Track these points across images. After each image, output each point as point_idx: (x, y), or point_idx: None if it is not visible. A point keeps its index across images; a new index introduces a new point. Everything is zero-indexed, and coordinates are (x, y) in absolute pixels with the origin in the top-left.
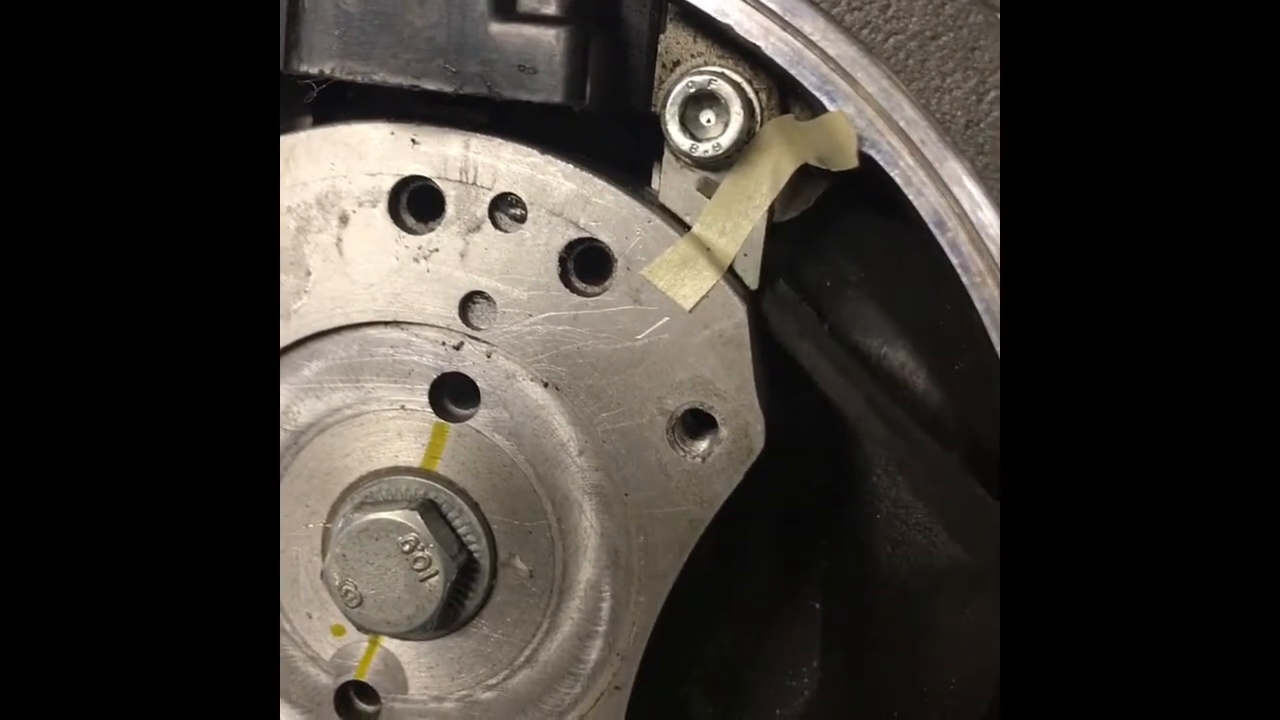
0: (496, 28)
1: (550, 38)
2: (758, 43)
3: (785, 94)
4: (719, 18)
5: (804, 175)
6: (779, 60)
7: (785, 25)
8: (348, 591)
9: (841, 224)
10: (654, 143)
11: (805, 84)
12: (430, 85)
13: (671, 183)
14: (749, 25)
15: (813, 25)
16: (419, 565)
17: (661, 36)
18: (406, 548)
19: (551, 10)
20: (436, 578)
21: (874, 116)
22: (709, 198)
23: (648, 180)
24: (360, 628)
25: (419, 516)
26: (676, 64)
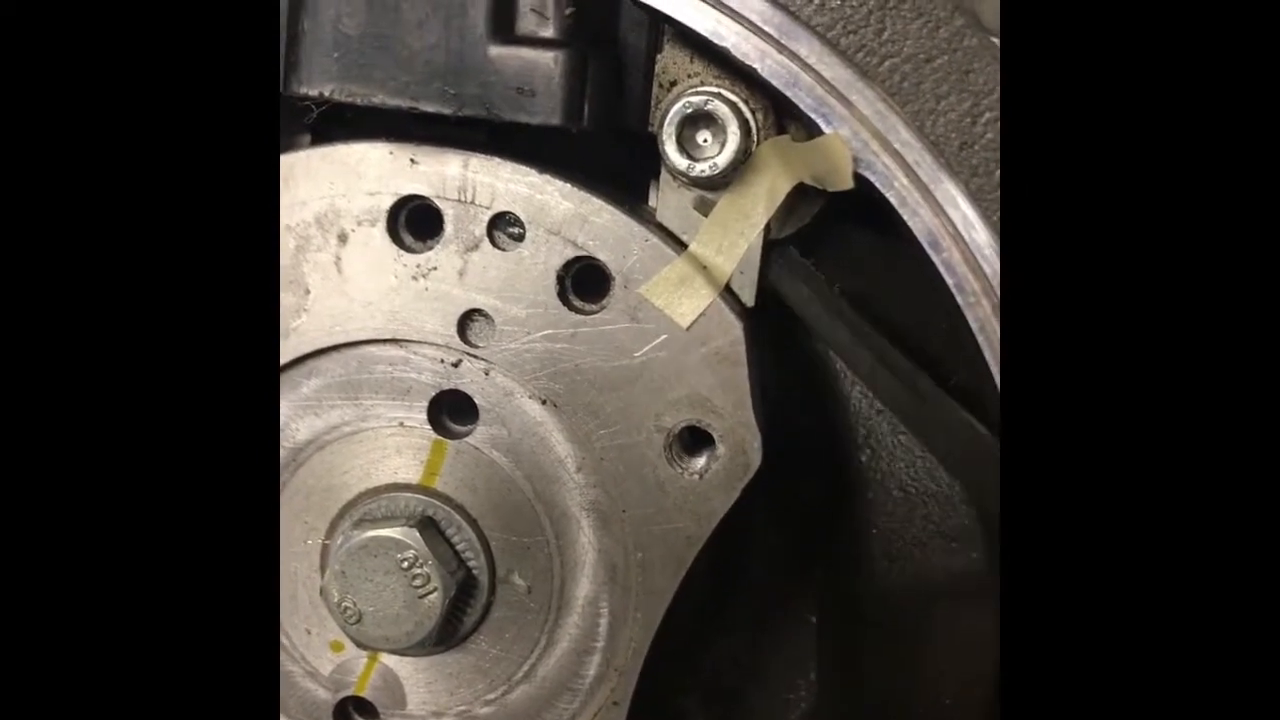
0: (495, 50)
1: (548, 60)
2: (754, 65)
3: (781, 114)
4: (716, 41)
5: (800, 194)
6: (775, 82)
7: (781, 48)
8: (346, 608)
9: (837, 241)
10: (651, 162)
11: (801, 106)
12: (429, 107)
13: (668, 202)
14: (745, 48)
15: (808, 48)
16: (418, 582)
17: (658, 57)
18: (405, 564)
19: (549, 33)
20: (435, 594)
21: (869, 138)
22: (706, 216)
23: (644, 199)
24: (359, 644)
25: (417, 533)
26: (673, 84)
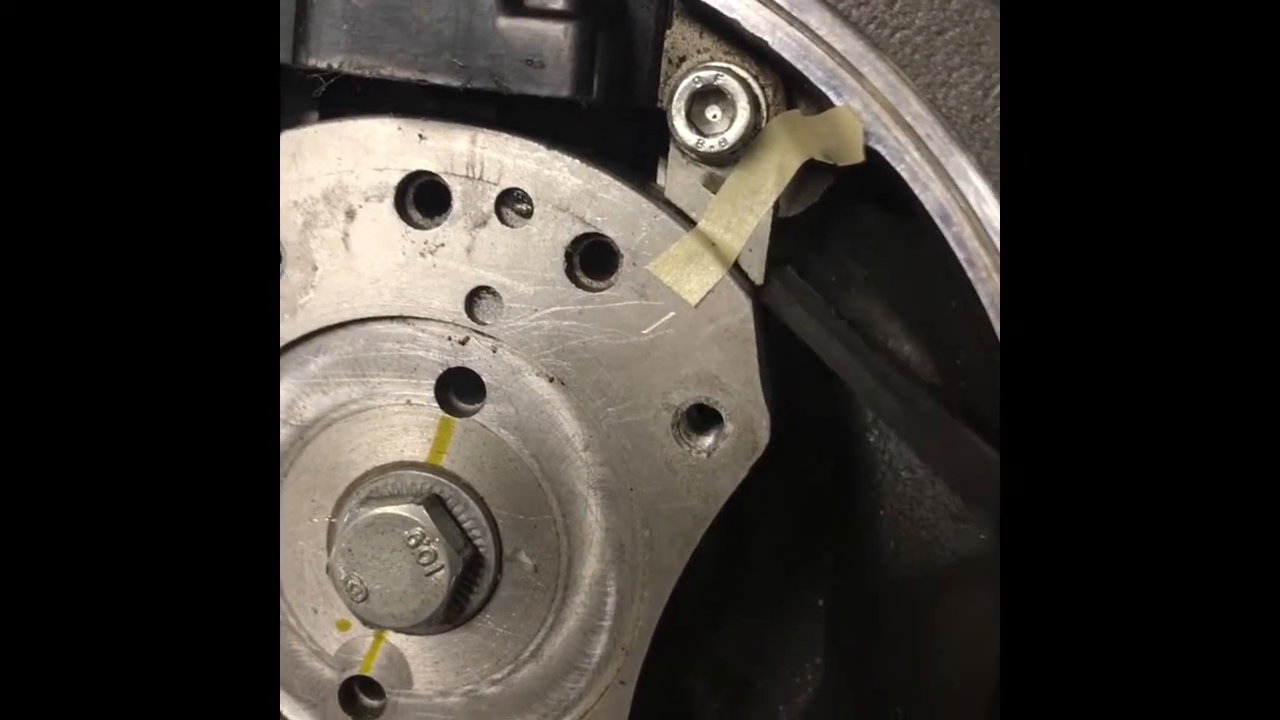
0: (504, 22)
1: (558, 32)
2: (765, 37)
3: (791, 89)
4: (726, 13)
5: (809, 170)
6: (786, 55)
7: (792, 20)
8: (353, 586)
9: (847, 219)
10: (659, 138)
11: (812, 78)
12: (438, 79)
13: (677, 178)
14: (756, 20)
15: (819, 20)
16: (425, 559)
17: (668, 32)
18: (412, 542)
19: (559, 5)
20: (442, 572)
21: (880, 111)
22: (715, 193)
23: (653, 176)
24: (366, 622)
25: (425, 511)
26: (683, 59)
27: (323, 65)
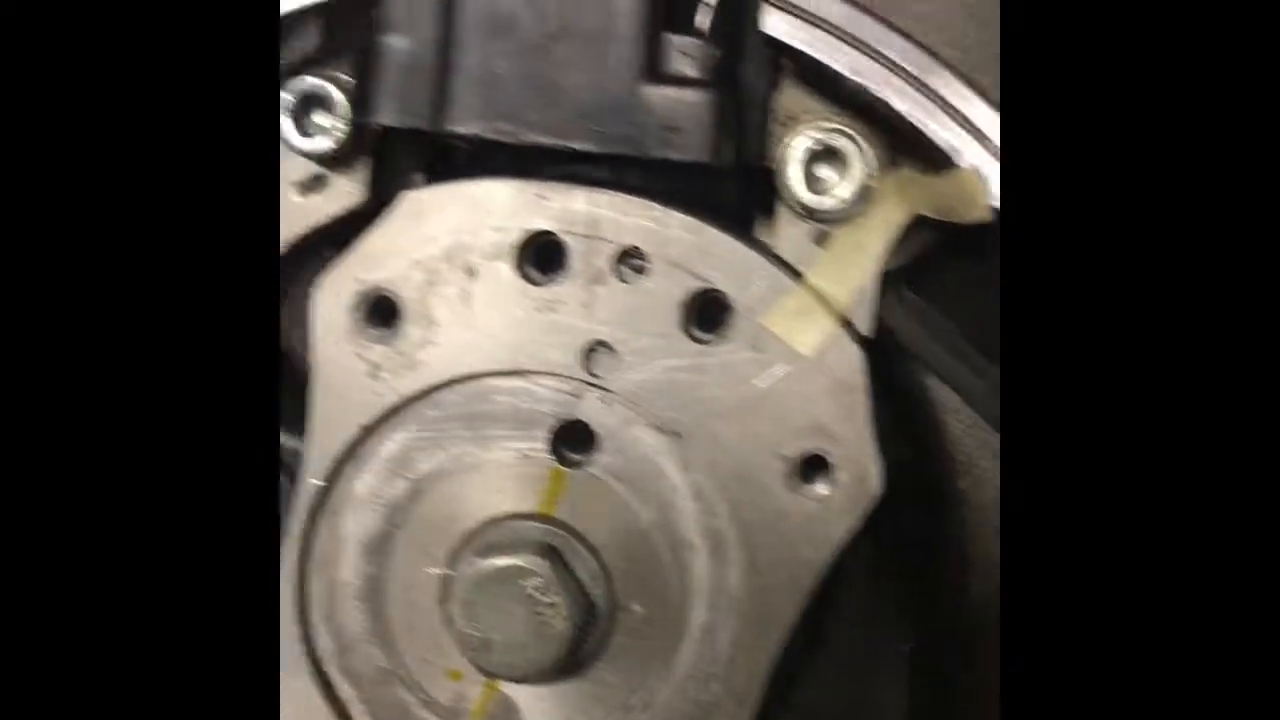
0: (645, 89)
1: (696, 99)
2: (890, 100)
3: (899, 150)
4: (853, 77)
5: (914, 225)
6: (911, 119)
7: (920, 86)
8: (471, 636)
9: (938, 272)
10: (757, 193)
11: (937, 141)
12: (578, 145)
13: (786, 234)
14: (880, 84)
15: (946, 85)
16: (544, 610)
17: (775, 94)
18: (530, 592)
19: (695, 74)
20: (560, 621)
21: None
22: (823, 248)
23: (750, 230)
24: (484, 672)
25: (542, 561)
26: (793, 120)
27: (465, 131)
